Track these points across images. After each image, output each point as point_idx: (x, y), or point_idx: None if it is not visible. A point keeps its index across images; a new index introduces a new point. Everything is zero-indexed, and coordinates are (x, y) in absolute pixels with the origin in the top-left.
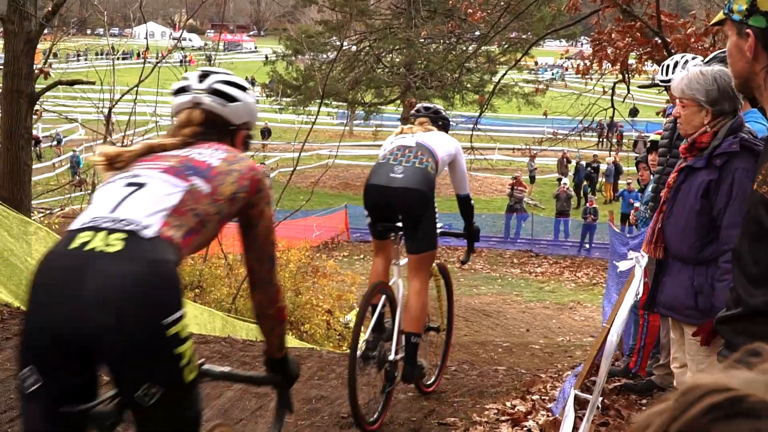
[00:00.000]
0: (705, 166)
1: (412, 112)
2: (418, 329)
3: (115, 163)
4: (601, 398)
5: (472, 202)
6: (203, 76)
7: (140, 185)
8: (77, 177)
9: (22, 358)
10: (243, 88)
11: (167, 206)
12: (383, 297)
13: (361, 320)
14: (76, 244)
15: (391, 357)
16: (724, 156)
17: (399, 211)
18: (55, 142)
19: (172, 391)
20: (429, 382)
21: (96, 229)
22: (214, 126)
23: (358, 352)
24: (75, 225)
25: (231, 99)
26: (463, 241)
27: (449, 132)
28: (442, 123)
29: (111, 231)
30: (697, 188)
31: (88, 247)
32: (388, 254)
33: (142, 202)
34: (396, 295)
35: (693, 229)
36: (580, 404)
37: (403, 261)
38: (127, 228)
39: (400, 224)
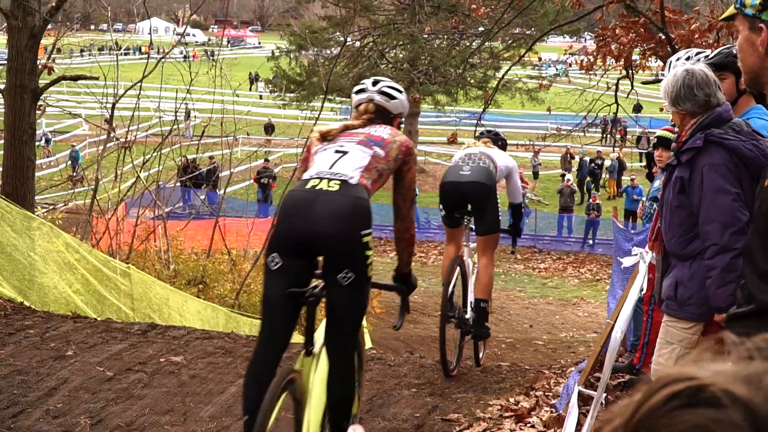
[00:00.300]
0: (677, 163)
1: (477, 134)
2: (486, 296)
3: (326, 137)
4: (605, 394)
5: (523, 209)
6: (375, 83)
7: (344, 152)
8: (75, 173)
9: (271, 247)
10: (399, 91)
11: (361, 165)
12: (457, 270)
13: (447, 289)
14: (309, 186)
15: (467, 316)
16: (689, 152)
17: (469, 200)
18: (43, 142)
19: (359, 278)
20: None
21: (321, 178)
22: (382, 114)
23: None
24: (307, 176)
25: (392, 97)
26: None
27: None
28: (500, 143)
29: (330, 179)
30: (673, 185)
31: (317, 188)
32: (459, 240)
33: (348, 163)
34: (467, 270)
35: (676, 226)
36: (584, 400)
37: (473, 244)
38: (340, 178)
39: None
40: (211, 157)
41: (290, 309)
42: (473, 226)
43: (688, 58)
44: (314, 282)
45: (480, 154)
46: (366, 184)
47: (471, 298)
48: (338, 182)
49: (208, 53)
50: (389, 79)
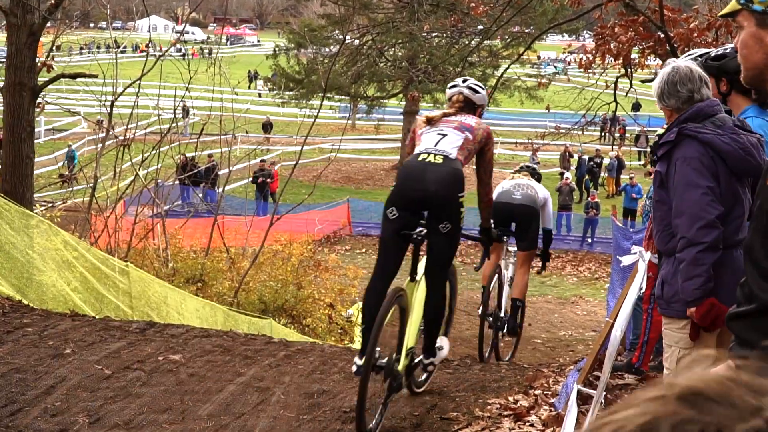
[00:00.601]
0: (658, 159)
1: (518, 168)
2: (521, 296)
3: (430, 122)
4: (604, 393)
5: (552, 234)
6: (464, 80)
7: (444, 135)
8: (70, 172)
9: (390, 202)
10: (482, 88)
11: (457, 145)
12: (495, 277)
13: (487, 293)
14: (420, 158)
15: (501, 315)
16: (665, 146)
17: (517, 220)
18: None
19: (454, 228)
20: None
21: (429, 153)
22: (468, 105)
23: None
24: (417, 151)
25: (476, 92)
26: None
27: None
28: (537, 177)
29: (436, 154)
30: (654, 180)
31: (426, 160)
32: (499, 252)
33: (447, 142)
34: (503, 278)
35: (658, 221)
36: (583, 399)
37: (512, 259)
38: (443, 153)
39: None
40: (210, 155)
41: (400, 246)
42: (513, 242)
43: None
44: (419, 229)
45: (527, 185)
46: (461, 159)
47: (506, 300)
48: (442, 156)
49: (205, 51)
50: (474, 79)
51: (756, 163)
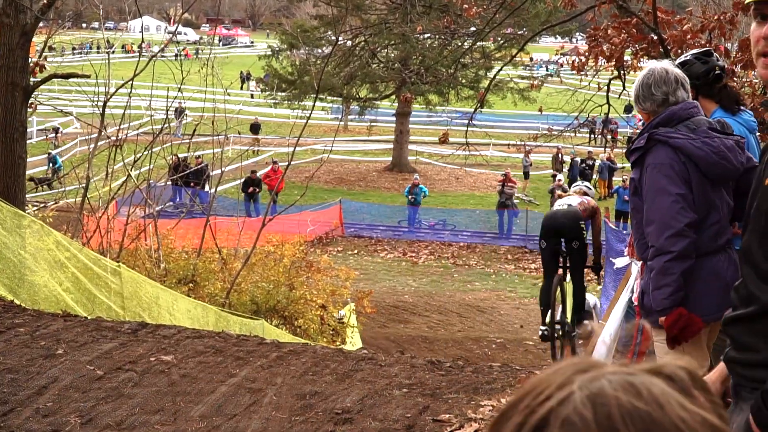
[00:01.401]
0: (632, 165)
1: (574, 186)
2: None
3: (560, 197)
4: None
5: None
6: (583, 182)
7: (570, 202)
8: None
9: (541, 236)
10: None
11: (577, 203)
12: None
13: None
14: (556, 208)
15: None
16: (636, 152)
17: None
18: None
19: (581, 245)
20: None
21: (561, 206)
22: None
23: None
24: (555, 206)
25: (585, 194)
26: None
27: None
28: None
29: (564, 205)
30: (630, 187)
31: (559, 209)
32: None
33: (571, 201)
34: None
35: (635, 228)
36: None
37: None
38: (568, 203)
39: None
40: (197, 157)
41: (555, 259)
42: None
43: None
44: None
45: (577, 204)
46: (580, 209)
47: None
48: (567, 205)
49: (197, 51)
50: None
51: (732, 166)
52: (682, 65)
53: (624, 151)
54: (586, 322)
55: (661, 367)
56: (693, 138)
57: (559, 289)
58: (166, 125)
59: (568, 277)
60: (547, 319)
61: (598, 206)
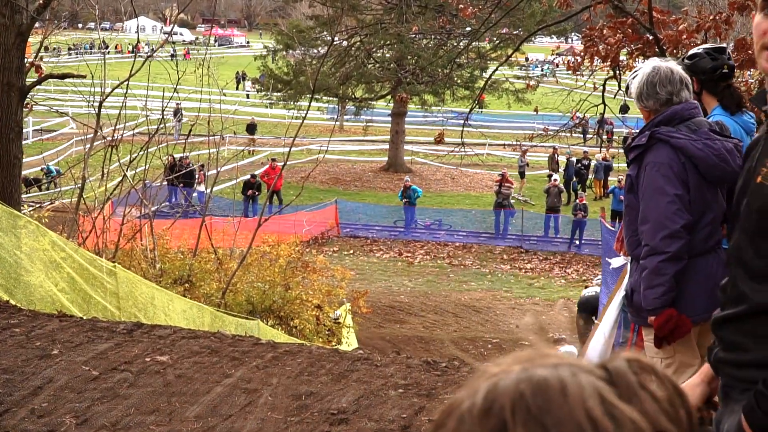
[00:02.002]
0: (629, 162)
1: None
2: None
3: None
4: None
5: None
6: None
7: None
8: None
9: None
10: None
11: None
12: None
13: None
14: None
15: None
16: (636, 149)
17: None
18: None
19: None
20: None
21: None
22: None
23: None
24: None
25: None
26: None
27: None
28: None
29: None
30: (625, 184)
31: None
32: None
33: None
34: None
35: (627, 225)
36: None
37: None
38: None
39: None
40: (185, 158)
41: None
42: None
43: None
44: None
45: None
46: None
47: None
48: None
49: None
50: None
51: (730, 168)
52: (691, 58)
53: (620, 150)
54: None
55: (608, 360)
56: (694, 139)
57: None
58: (161, 125)
59: None
60: None
61: None
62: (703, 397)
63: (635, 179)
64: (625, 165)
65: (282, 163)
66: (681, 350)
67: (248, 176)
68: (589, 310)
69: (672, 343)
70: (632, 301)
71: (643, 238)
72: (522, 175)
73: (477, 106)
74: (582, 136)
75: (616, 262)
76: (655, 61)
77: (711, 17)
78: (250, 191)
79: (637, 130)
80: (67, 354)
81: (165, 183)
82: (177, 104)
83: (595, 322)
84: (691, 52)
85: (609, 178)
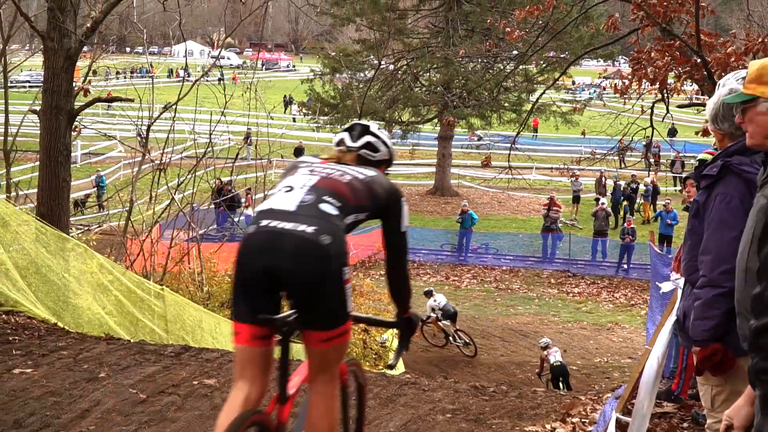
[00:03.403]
0: (699, 188)
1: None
2: None
3: None
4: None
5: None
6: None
7: None
8: (100, 199)
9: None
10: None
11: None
12: None
13: None
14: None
15: None
16: (707, 178)
17: None
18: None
19: None
20: None
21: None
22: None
23: None
24: None
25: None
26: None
27: None
28: None
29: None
30: (691, 207)
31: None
32: None
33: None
34: None
35: (687, 250)
36: (622, 428)
37: None
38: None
39: None
40: (229, 182)
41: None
42: None
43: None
44: None
45: None
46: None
47: None
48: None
49: (237, 75)
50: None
51: None
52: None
53: (668, 174)
54: None
55: None
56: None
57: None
58: (209, 149)
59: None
60: None
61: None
62: (749, 418)
63: (702, 206)
64: (673, 189)
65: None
66: (732, 380)
67: None
68: None
69: (715, 376)
70: (684, 325)
71: (701, 268)
72: (577, 199)
73: (531, 131)
74: (620, 159)
75: (666, 286)
76: (732, 83)
77: (759, 39)
78: None
79: (684, 154)
80: (114, 377)
81: (212, 206)
82: (248, 129)
83: (646, 346)
84: None
85: (656, 202)
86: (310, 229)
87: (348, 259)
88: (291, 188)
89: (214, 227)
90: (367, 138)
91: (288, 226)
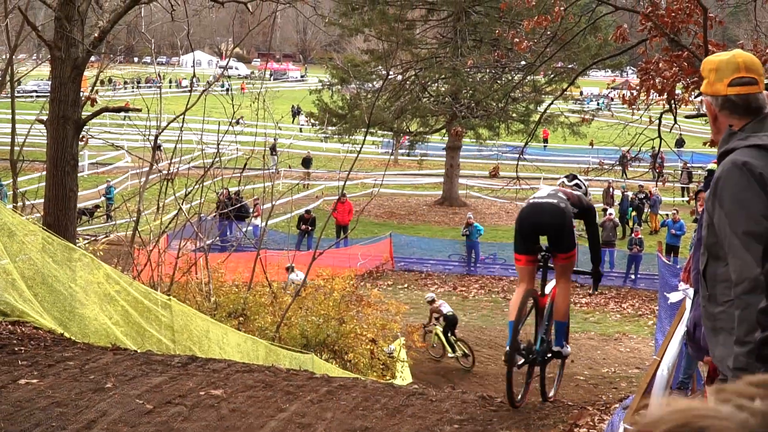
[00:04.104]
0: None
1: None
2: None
3: None
4: None
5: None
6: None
7: None
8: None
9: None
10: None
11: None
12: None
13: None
14: (535, 200)
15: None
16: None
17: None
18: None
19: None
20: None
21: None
22: None
23: None
24: None
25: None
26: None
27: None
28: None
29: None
30: (700, 220)
31: (542, 201)
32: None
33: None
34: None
35: (695, 260)
36: None
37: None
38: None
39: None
40: (236, 193)
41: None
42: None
43: None
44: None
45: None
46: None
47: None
48: (550, 199)
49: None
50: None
51: None
52: None
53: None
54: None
55: None
56: None
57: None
58: (217, 159)
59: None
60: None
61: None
62: None
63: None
64: (680, 199)
65: (336, 198)
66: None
67: (303, 211)
68: None
69: None
70: (694, 336)
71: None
72: None
73: (542, 142)
74: (622, 170)
75: (674, 296)
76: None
77: (767, 50)
78: (304, 226)
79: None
80: (121, 387)
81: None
82: (274, 140)
83: (654, 357)
84: None
85: (659, 212)
86: (554, 201)
87: (572, 220)
88: (543, 191)
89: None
90: (576, 181)
91: (544, 201)
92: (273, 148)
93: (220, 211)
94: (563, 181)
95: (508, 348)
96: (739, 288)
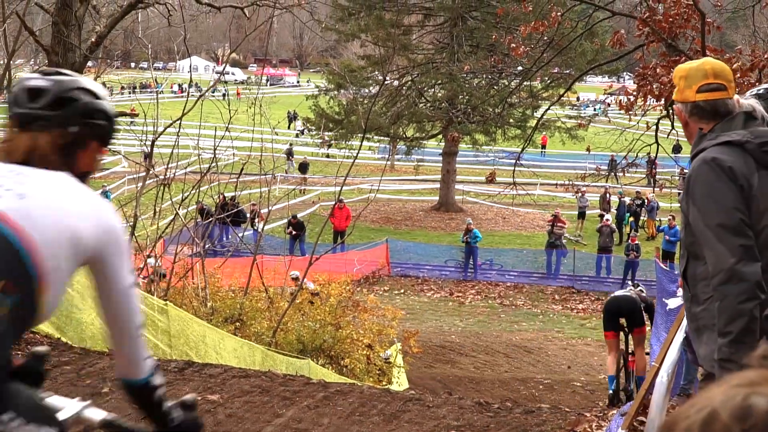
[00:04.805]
0: None
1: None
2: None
3: None
4: None
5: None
6: None
7: None
8: None
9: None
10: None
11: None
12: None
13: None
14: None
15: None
16: None
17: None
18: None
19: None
20: None
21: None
22: None
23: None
24: None
25: None
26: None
27: None
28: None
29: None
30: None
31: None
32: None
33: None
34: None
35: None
36: None
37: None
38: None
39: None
40: (232, 198)
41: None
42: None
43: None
44: None
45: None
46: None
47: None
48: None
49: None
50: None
51: None
52: (760, 97)
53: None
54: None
55: None
56: None
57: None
58: (213, 164)
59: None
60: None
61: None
62: None
63: None
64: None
65: (333, 203)
66: None
67: (290, 217)
68: None
69: None
70: (690, 342)
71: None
72: (582, 215)
73: (539, 148)
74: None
75: (673, 302)
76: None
77: (765, 55)
78: (290, 230)
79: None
80: (117, 392)
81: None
82: (290, 146)
83: (653, 364)
84: (763, 87)
85: (654, 218)
86: (632, 293)
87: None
88: (621, 290)
89: (218, 243)
90: (640, 287)
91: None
92: (289, 153)
93: (217, 216)
94: (630, 288)
95: (611, 392)
96: (716, 279)
